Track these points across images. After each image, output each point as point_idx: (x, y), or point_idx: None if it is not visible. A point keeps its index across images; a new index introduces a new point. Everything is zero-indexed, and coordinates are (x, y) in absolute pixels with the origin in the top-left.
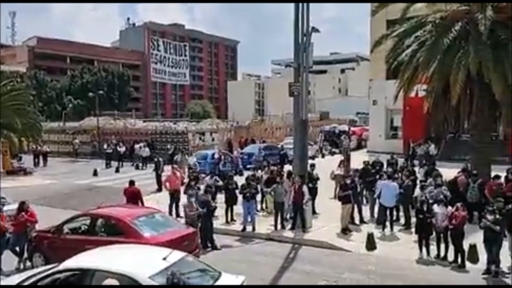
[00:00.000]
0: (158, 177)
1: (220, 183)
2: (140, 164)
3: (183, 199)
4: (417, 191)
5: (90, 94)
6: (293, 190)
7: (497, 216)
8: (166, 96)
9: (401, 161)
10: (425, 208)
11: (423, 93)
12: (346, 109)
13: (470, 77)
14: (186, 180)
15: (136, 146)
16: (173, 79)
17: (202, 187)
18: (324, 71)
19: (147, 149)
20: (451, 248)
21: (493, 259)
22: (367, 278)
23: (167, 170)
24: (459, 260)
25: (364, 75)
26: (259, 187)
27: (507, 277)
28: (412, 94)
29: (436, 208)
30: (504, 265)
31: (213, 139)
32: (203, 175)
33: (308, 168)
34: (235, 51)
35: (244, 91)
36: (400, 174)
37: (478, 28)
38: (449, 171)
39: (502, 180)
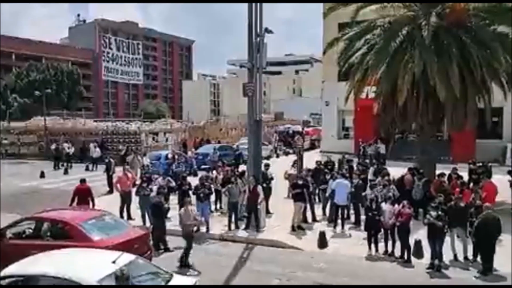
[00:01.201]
0: (109, 178)
1: (173, 184)
2: (91, 165)
3: (137, 200)
4: (367, 190)
5: (37, 92)
6: (247, 190)
7: (440, 213)
8: (118, 95)
9: (355, 161)
10: (374, 206)
11: (373, 95)
12: (300, 110)
13: (416, 80)
14: (138, 182)
15: (91, 145)
16: (126, 78)
17: (155, 188)
18: (279, 72)
19: (97, 149)
20: (398, 244)
21: (437, 254)
22: (320, 276)
23: (118, 171)
24: (405, 255)
25: (318, 76)
26: (213, 187)
27: (449, 271)
28: (363, 96)
29: (384, 206)
30: (446, 259)
31: (167, 140)
32: (156, 176)
33: (262, 168)
34: (190, 50)
35: (199, 91)
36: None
37: (423, 33)
38: (397, 170)
39: (446, 178)
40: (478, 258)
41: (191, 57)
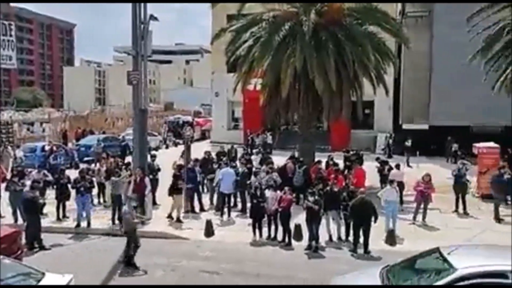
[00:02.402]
0: None
1: (50, 177)
2: None
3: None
4: (252, 178)
5: None
6: (133, 181)
7: (317, 197)
8: None
9: (240, 150)
10: (258, 193)
11: (260, 86)
12: (191, 100)
13: (297, 74)
14: (9, 176)
15: None
16: None
17: (28, 183)
18: (169, 61)
19: None
20: (280, 229)
21: (314, 236)
22: (205, 264)
23: None
24: (286, 239)
25: (209, 67)
26: (95, 180)
27: (325, 251)
28: (251, 87)
29: (267, 193)
30: (322, 240)
31: (43, 130)
32: (30, 170)
33: (149, 159)
34: (72, 34)
35: (82, 78)
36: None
37: (304, 29)
38: (282, 159)
39: (323, 165)
40: (350, 238)
41: (73, 42)
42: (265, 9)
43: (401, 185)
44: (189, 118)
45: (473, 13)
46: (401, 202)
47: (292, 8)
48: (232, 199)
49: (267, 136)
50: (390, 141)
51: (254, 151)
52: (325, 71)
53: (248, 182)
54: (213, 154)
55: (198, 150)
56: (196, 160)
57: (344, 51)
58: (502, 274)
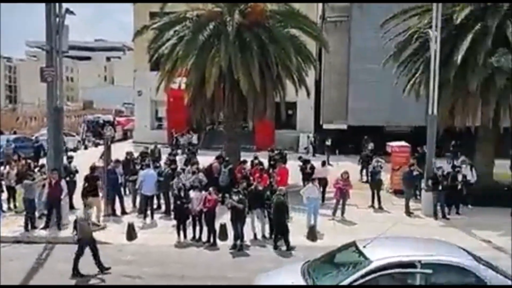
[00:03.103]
0: None
1: None
2: None
3: None
4: (175, 179)
5: None
6: (47, 185)
7: (241, 196)
8: None
9: (166, 151)
10: (182, 194)
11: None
12: (112, 99)
13: (222, 73)
14: None
15: None
16: None
17: None
18: (89, 58)
19: None
20: (205, 229)
21: (238, 235)
22: (128, 269)
23: None
24: (211, 239)
25: (131, 64)
26: (4, 184)
27: (249, 250)
28: (175, 86)
29: (192, 193)
30: (247, 239)
31: None
32: None
33: (65, 161)
34: None
35: None
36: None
37: (228, 29)
38: (208, 159)
39: (249, 164)
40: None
41: None
42: (189, 7)
43: (325, 182)
44: (110, 118)
45: (385, 20)
46: (324, 198)
47: (216, 8)
48: (156, 201)
49: (192, 136)
50: (313, 140)
51: (179, 151)
52: (249, 72)
53: (171, 183)
54: (136, 155)
55: (120, 151)
56: (117, 161)
57: (268, 52)
58: (411, 264)
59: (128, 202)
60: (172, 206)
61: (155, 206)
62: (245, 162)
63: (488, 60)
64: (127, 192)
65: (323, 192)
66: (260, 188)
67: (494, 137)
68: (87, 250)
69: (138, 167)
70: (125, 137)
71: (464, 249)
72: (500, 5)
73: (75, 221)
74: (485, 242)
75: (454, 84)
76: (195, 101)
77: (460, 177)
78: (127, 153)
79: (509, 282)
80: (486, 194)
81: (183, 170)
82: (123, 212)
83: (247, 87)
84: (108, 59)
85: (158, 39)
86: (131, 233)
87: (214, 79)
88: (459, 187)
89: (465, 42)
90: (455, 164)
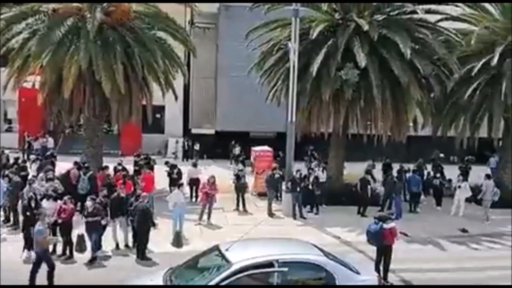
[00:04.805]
0: None
1: None
2: None
3: None
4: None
5: None
6: None
7: (97, 205)
8: None
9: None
10: (33, 205)
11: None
12: None
13: (82, 73)
14: None
15: None
16: None
17: None
18: None
19: None
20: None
21: (96, 245)
22: None
23: None
24: (68, 252)
25: None
26: None
27: (110, 260)
28: (28, 85)
29: (45, 203)
30: (109, 248)
31: None
32: None
33: None
34: None
35: None
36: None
37: (88, 27)
38: (67, 165)
39: (111, 170)
40: None
41: None
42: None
43: (197, 181)
44: None
45: (249, 30)
46: (196, 197)
47: (75, 3)
48: (3, 213)
49: (48, 139)
50: (184, 144)
51: (31, 156)
52: (113, 73)
53: (21, 193)
54: None
55: None
56: None
57: (133, 54)
58: (270, 264)
59: None
60: (21, 218)
61: (2, 219)
62: (107, 168)
63: (337, 73)
64: None
65: (196, 192)
66: (123, 195)
67: (344, 143)
68: None
69: None
70: None
71: (316, 246)
72: (349, 24)
73: None
74: (336, 238)
75: (311, 94)
76: (51, 102)
77: (311, 178)
78: None
79: (354, 275)
80: (337, 194)
81: (34, 176)
82: None
83: (110, 88)
84: None
85: (6, 32)
86: None
87: (73, 79)
88: (310, 187)
89: (320, 55)
90: (311, 167)
